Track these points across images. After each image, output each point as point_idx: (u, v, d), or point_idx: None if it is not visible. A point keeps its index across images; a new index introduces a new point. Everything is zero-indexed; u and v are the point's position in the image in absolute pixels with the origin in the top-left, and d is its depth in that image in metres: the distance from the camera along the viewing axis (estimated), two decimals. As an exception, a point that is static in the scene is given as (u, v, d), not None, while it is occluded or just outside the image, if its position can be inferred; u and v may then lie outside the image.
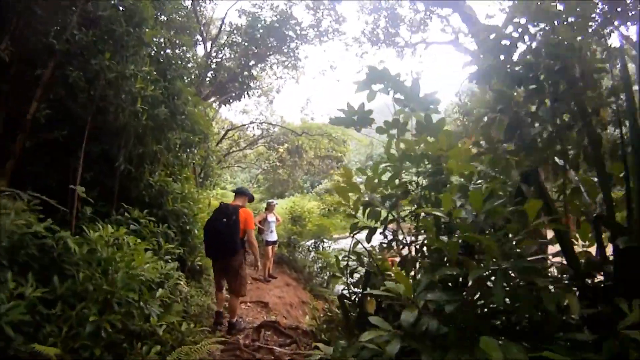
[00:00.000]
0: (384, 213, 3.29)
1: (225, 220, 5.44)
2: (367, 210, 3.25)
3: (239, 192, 6.03)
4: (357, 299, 3.40)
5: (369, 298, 3.04)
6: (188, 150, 6.79)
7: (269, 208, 9.81)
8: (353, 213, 3.24)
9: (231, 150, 20.22)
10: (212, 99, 14.81)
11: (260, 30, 13.53)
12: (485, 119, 2.94)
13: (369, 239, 3.38)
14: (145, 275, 3.58)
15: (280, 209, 12.82)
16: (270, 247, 9.52)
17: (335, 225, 11.90)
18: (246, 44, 13.69)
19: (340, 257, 3.58)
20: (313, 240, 11.60)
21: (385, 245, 3.42)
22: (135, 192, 5.83)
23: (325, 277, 10.87)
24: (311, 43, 14.57)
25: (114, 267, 3.45)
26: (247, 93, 15.01)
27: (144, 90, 5.38)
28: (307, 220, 11.83)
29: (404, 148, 3.17)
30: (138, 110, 5.25)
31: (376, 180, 3.20)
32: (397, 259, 3.37)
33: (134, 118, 5.37)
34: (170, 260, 5.22)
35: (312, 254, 11.44)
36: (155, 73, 5.87)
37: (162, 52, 6.67)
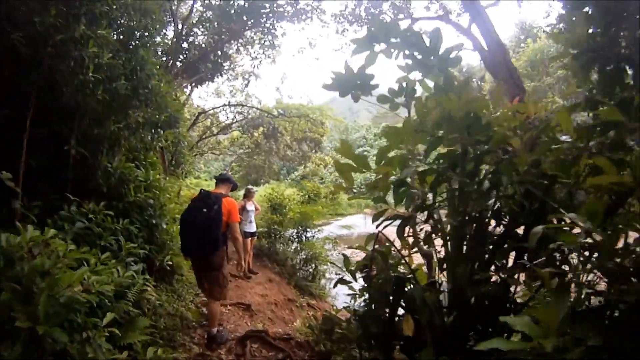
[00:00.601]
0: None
1: (205, 210, 4.72)
2: (400, 191, 2.59)
3: (222, 179, 5.35)
4: (382, 314, 2.69)
5: (405, 315, 2.41)
6: (153, 131, 5.81)
7: (248, 196, 8.99)
8: (360, 196, 2.92)
9: (204, 137, 19.14)
10: (185, 84, 13.80)
11: (235, 6, 12.51)
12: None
13: (401, 232, 2.74)
14: (84, 296, 2.58)
15: (257, 196, 11.95)
16: (249, 240, 8.63)
17: (317, 213, 11.01)
18: (219, 20, 12.65)
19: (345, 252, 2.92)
20: (295, 230, 10.72)
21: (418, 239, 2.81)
22: (91, 181, 4.87)
23: (311, 270, 10.08)
24: (290, 20, 13.59)
25: (39, 287, 2.47)
26: (220, 74, 14.00)
27: (99, 57, 4.44)
28: (287, 208, 10.93)
29: (432, 111, 2.49)
30: (89, 81, 4.29)
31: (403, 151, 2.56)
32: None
33: (88, 92, 4.46)
34: (133, 263, 4.34)
35: (295, 244, 10.57)
36: (114, 39, 4.94)
37: (124, 15, 5.63)
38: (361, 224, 29.71)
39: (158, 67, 6.28)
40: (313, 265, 10.06)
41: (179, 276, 6.15)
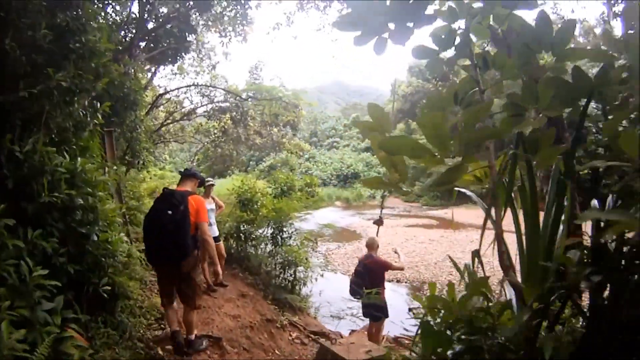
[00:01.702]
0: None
1: (170, 212, 4.25)
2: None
3: (187, 175, 4.91)
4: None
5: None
6: (86, 103, 4.21)
7: (206, 191, 7.37)
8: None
9: (165, 122, 17.26)
10: (147, 65, 12.06)
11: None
12: None
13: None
14: None
15: (223, 190, 10.33)
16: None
17: (293, 208, 9.46)
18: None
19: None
20: (270, 230, 9.17)
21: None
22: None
23: (289, 277, 8.62)
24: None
25: None
26: (185, 51, 12.27)
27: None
28: (259, 203, 9.34)
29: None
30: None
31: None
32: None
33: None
34: (44, 299, 2.85)
35: (270, 246, 9.04)
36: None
37: None
38: (334, 218, 28.47)
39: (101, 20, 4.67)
40: (291, 271, 8.60)
41: (126, 301, 4.57)
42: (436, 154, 1.70)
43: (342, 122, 63.83)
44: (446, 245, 18.27)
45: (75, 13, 4.10)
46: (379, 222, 7.33)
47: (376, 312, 6.37)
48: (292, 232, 9.26)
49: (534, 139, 2.01)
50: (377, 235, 7.09)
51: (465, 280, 3.44)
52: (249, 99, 16.13)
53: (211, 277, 7.02)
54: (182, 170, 5.11)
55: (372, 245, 6.70)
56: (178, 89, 16.17)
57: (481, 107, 1.71)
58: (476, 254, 3.27)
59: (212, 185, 7.45)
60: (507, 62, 2.03)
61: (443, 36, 2.12)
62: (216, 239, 7.16)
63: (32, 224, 3.30)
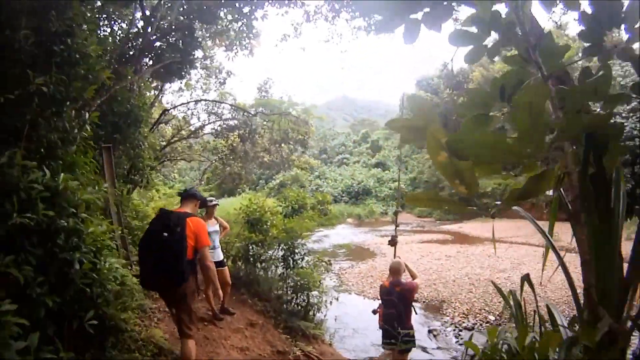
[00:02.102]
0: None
1: (167, 234, 4.02)
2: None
3: (187, 195, 4.69)
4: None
5: None
6: (73, 113, 3.75)
7: (208, 212, 6.79)
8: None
9: (172, 140, 16.85)
10: (152, 80, 11.67)
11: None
12: None
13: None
14: None
15: (229, 210, 9.82)
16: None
17: (306, 227, 8.92)
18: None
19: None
20: (280, 251, 8.62)
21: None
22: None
23: (302, 303, 7.97)
24: (271, 3, 11.61)
25: None
26: (191, 66, 11.87)
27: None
28: (269, 223, 8.80)
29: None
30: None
31: None
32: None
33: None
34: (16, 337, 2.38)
35: (281, 269, 8.47)
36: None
37: None
38: (346, 235, 27.84)
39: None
40: (304, 296, 8.00)
41: (119, 335, 4.05)
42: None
43: (352, 138, 63.55)
44: (463, 261, 17.62)
45: (62, 14, 3.68)
46: (393, 242, 6.75)
47: (407, 343, 5.68)
48: (304, 253, 8.68)
49: (603, 136, 1.67)
50: (395, 256, 6.46)
51: (511, 308, 2.99)
52: (258, 114, 15.69)
53: (217, 304, 6.50)
54: (182, 191, 4.85)
55: (398, 269, 5.94)
56: (184, 104, 15.76)
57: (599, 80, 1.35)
58: (526, 278, 2.88)
59: (215, 205, 6.92)
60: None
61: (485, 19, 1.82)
62: (221, 264, 6.66)
63: (5, 249, 2.82)
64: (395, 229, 7.11)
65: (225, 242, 7.81)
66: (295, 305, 7.92)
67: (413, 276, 6.07)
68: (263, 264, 8.39)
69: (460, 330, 10.07)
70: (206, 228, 4.40)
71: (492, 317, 10.84)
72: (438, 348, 9.15)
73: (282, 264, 8.43)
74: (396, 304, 5.55)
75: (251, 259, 8.26)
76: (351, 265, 17.74)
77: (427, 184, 43.60)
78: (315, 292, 7.99)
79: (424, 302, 12.44)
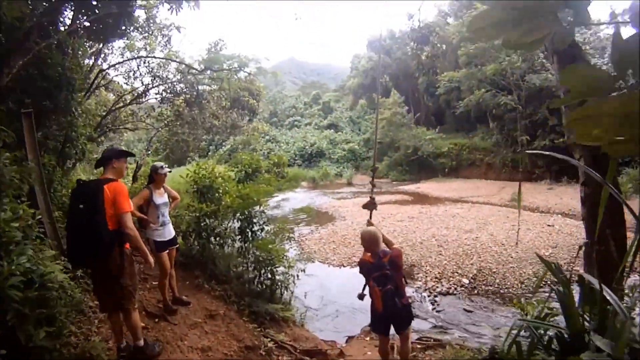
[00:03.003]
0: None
1: (82, 205, 3.72)
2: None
3: (103, 158, 4.18)
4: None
5: None
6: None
7: (155, 179, 5.59)
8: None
9: (114, 107, 15.05)
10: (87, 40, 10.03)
11: None
12: None
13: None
14: None
15: (179, 180, 8.62)
16: (164, 254, 5.40)
17: (264, 193, 7.76)
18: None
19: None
20: (236, 223, 7.50)
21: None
22: None
23: (267, 281, 6.94)
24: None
25: None
26: (128, 20, 10.23)
27: None
28: (222, 191, 7.64)
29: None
30: None
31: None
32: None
33: None
34: None
35: (239, 243, 7.38)
36: None
37: None
38: (302, 199, 26.88)
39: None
40: (268, 273, 6.98)
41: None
42: None
43: (302, 100, 62.22)
44: (427, 222, 17.16)
45: None
46: (371, 205, 5.65)
47: (408, 317, 4.78)
48: (263, 222, 7.63)
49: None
50: (370, 221, 5.40)
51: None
52: (206, 72, 14.07)
53: (168, 292, 5.43)
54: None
55: (377, 239, 4.75)
56: (121, 62, 13.90)
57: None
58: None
59: (166, 171, 5.68)
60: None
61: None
62: (172, 242, 5.58)
63: None
64: (372, 189, 6.05)
65: (174, 215, 6.64)
66: (259, 285, 6.92)
67: (389, 244, 5.04)
68: (218, 239, 7.30)
69: (436, 296, 9.58)
70: (126, 192, 4.00)
71: (465, 281, 10.44)
72: (415, 316, 8.51)
73: (239, 236, 7.38)
74: (390, 276, 4.52)
75: (204, 233, 7.13)
76: (310, 230, 16.87)
77: (381, 144, 43.13)
78: (281, 268, 6.99)
79: None
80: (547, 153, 3.27)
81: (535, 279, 10.23)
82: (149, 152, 20.06)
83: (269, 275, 6.96)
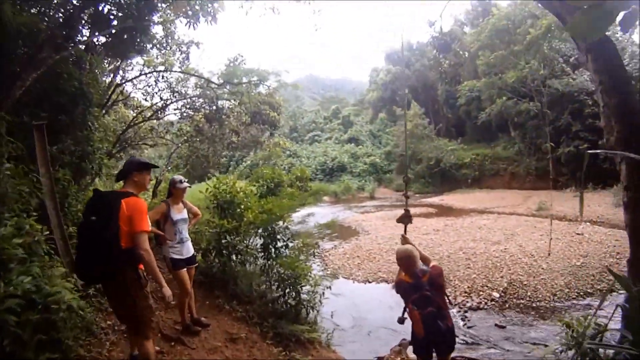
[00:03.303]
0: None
1: (95, 217, 3.40)
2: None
3: (124, 171, 3.86)
4: None
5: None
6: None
7: (176, 193, 5.29)
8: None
9: (133, 123, 14.96)
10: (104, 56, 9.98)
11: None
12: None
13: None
14: None
15: (198, 195, 8.34)
16: (183, 271, 5.08)
17: (288, 207, 7.39)
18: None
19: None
20: (259, 239, 7.16)
21: None
22: None
23: (291, 300, 6.53)
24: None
25: None
26: (144, 35, 10.13)
27: None
28: (243, 206, 7.33)
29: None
30: None
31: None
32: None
33: None
34: None
35: (261, 260, 7.04)
36: None
37: None
38: (325, 214, 26.49)
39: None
40: (293, 291, 6.59)
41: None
42: None
43: (322, 115, 62.34)
44: (453, 235, 16.72)
45: None
46: (405, 218, 5.33)
47: (452, 341, 4.33)
48: (287, 238, 7.26)
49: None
50: (405, 236, 5.02)
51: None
52: (225, 86, 13.85)
53: (187, 313, 5.13)
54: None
55: (414, 257, 4.34)
56: (138, 76, 13.76)
57: None
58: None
59: (185, 186, 5.36)
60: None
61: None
62: (191, 261, 5.25)
63: None
64: (406, 201, 5.66)
65: (194, 232, 6.32)
66: (284, 305, 6.51)
67: (426, 260, 4.61)
68: (240, 256, 6.95)
69: (466, 312, 9.12)
70: (144, 209, 3.63)
71: (496, 294, 9.99)
72: None
73: (262, 254, 7.03)
74: (431, 297, 4.11)
75: (224, 250, 6.78)
76: (333, 245, 16.48)
77: (402, 157, 42.77)
78: (306, 287, 6.60)
79: None
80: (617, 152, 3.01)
81: (567, 290, 9.87)
82: (169, 167, 20.00)
83: (294, 295, 6.57)
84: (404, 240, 4.87)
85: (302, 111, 65.04)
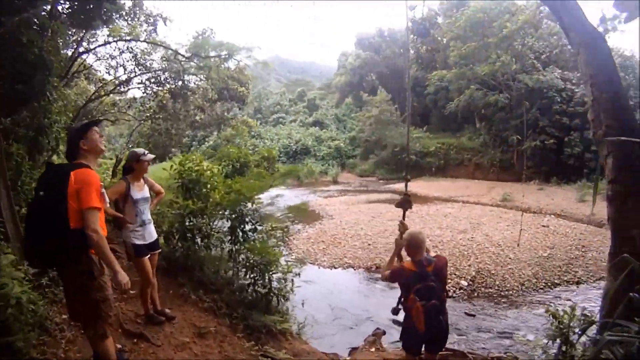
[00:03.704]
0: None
1: (42, 192, 2.96)
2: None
3: (69, 140, 3.23)
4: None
5: None
6: None
7: (138, 168, 4.60)
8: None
9: (94, 96, 14.02)
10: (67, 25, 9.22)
11: None
12: None
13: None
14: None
15: (160, 175, 7.75)
16: (145, 259, 4.52)
17: (259, 188, 6.85)
18: None
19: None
20: (226, 221, 6.62)
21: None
22: None
23: (261, 289, 6.03)
24: None
25: None
26: (110, 5, 9.40)
27: None
28: (209, 186, 6.78)
29: None
30: None
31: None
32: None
33: None
34: None
35: (229, 245, 6.52)
36: None
37: None
38: (288, 197, 25.98)
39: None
40: (264, 279, 6.09)
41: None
42: None
43: (287, 97, 61.44)
44: (419, 222, 16.72)
45: None
46: (405, 203, 4.94)
47: (446, 337, 4.09)
48: (256, 222, 6.73)
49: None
50: (404, 221, 4.69)
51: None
52: (194, 58, 13.08)
53: (150, 304, 4.62)
54: None
55: (421, 243, 3.96)
56: (106, 44, 12.77)
57: None
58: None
59: (148, 158, 4.68)
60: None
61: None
62: (154, 246, 4.72)
63: None
64: (407, 185, 5.54)
65: (155, 213, 5.72)
66: (253, 294, 6.03)
67: (427, 250, 4.27)
68: (205, 240, 6.42)
69: None
70: (96, 182, 3.04)
71: (464, 283, 10.06)
72: None
73: (229, 237, 6.50)
74: (435, 289, 3.78)
75: (189, 234, 6.24)
76: (297, 230, 16.08)
77: (367, 142, 42.61)
78: (277, 274, 6.13)
79: (380, 269, 11.26)
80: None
81: (535, 280, 10.08)
82: (130, 146, 19.11)
83: (264, 282, 6.06)
84: (402, 226, 4.54)
85: (268, 92, 63.92)
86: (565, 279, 10.36)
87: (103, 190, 3.13)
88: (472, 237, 13.99)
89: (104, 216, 3.14)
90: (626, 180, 4.38)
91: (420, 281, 3.74)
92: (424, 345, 3.99)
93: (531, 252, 12.25)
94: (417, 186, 29.85)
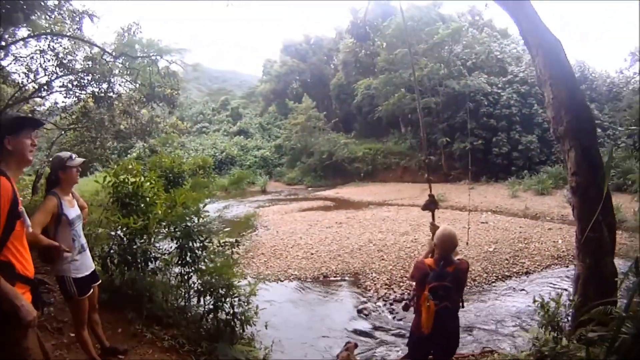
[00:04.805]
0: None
1: None
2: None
3: None
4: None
5: None
6: None
7: (66, 178, 3.62)
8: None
9: (11, 101, 12.27)
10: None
11: None
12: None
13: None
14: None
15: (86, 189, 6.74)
16: (84, 299, 3.61)
17: (197, 199, 6.01)
18: None
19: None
20: (174, 240, 5.72)
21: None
22: None
23: (222, 316, 5.19)
24: None
25: None
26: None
27: None
28: (148, 199, 5.90)
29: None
30: None
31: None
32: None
33: None
34: None
35: (179, 268, 5.63)
36: None
37: None
38: (217, 208, 24.72)
39: None
40: (226, 302, 5.24)
41: None
42: None
43: (210, 106, 59.86)
44: (358, 227, 16.60)
45: None
46: (431, 204, 5.13)
47: (456, 345, 3.78)
48: (205, 238, 5.85)
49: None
50: (433, 223, 4.61)
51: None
52: (121, 57, 11.83)
53: (94, 345, 3.73)
54: None
55: (453, 242, 3.69)
56: (24, 39, 11.16)
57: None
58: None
59: (75, 167, 3.69)
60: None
61: None
62: (94, 277, 3.82)
63: None
64: (430, 187, 5.52)
65: (86, 234, 4.74)
66: (214, 322, 5.21)
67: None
68: (150, 264, 5.52)
69: (392, 304, 8.89)
70: (5, 193, 2.19)
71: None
72: (375, 328, 7.89)
73: (177, 260, 5.61)
74: (451, 291, 3.50)
75: (132, 258, 5.31)
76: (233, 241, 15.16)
77: (293, 150, 42.24)
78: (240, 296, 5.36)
79: (335, 276, 11.03)
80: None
81: (485, 274, 10.40)
82: (51, 159, 17.07)
83: (228, 308, 5.23)
84: (433, 227, 4.37)
85: (190, 102, 61.99)
86: (515, 270, 10.76)
87: (22, 208, 2.32)
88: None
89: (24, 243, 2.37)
90: (587, 172, 4.87)
91: (437, 280, 3.52)
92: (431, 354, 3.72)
93: (477, 248, 12.56)
94: (349, 192, 29.82)
